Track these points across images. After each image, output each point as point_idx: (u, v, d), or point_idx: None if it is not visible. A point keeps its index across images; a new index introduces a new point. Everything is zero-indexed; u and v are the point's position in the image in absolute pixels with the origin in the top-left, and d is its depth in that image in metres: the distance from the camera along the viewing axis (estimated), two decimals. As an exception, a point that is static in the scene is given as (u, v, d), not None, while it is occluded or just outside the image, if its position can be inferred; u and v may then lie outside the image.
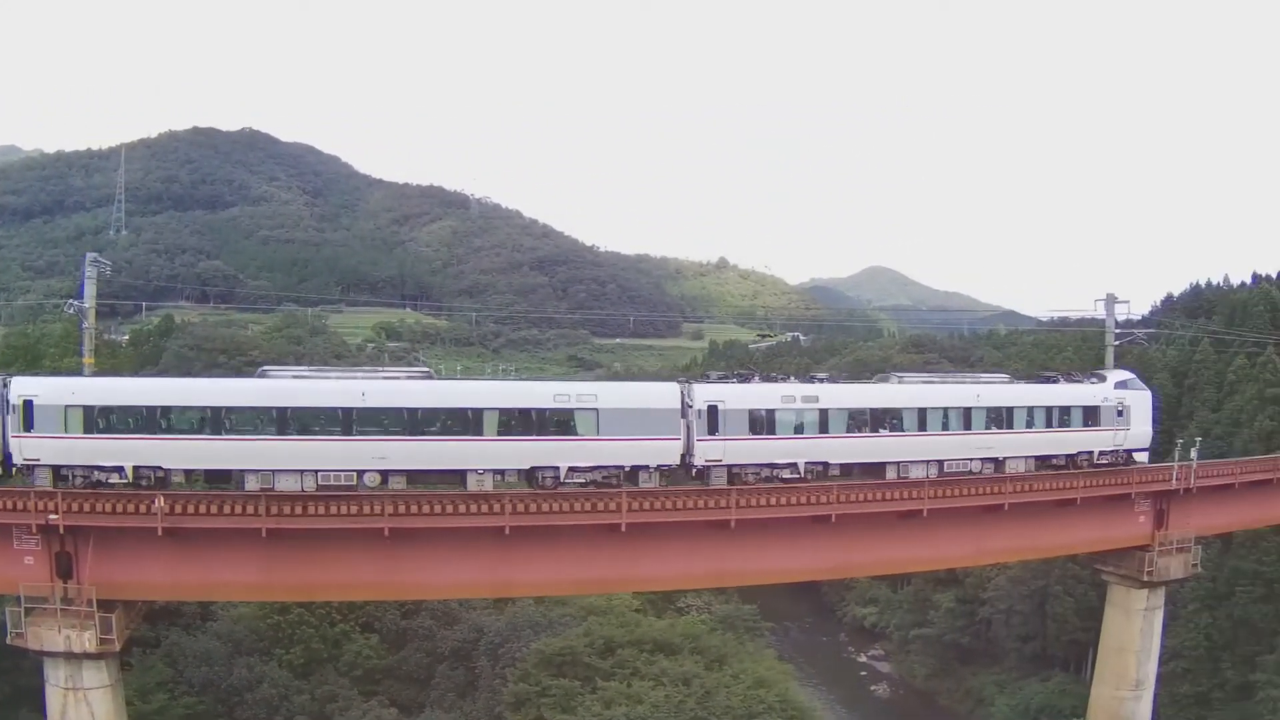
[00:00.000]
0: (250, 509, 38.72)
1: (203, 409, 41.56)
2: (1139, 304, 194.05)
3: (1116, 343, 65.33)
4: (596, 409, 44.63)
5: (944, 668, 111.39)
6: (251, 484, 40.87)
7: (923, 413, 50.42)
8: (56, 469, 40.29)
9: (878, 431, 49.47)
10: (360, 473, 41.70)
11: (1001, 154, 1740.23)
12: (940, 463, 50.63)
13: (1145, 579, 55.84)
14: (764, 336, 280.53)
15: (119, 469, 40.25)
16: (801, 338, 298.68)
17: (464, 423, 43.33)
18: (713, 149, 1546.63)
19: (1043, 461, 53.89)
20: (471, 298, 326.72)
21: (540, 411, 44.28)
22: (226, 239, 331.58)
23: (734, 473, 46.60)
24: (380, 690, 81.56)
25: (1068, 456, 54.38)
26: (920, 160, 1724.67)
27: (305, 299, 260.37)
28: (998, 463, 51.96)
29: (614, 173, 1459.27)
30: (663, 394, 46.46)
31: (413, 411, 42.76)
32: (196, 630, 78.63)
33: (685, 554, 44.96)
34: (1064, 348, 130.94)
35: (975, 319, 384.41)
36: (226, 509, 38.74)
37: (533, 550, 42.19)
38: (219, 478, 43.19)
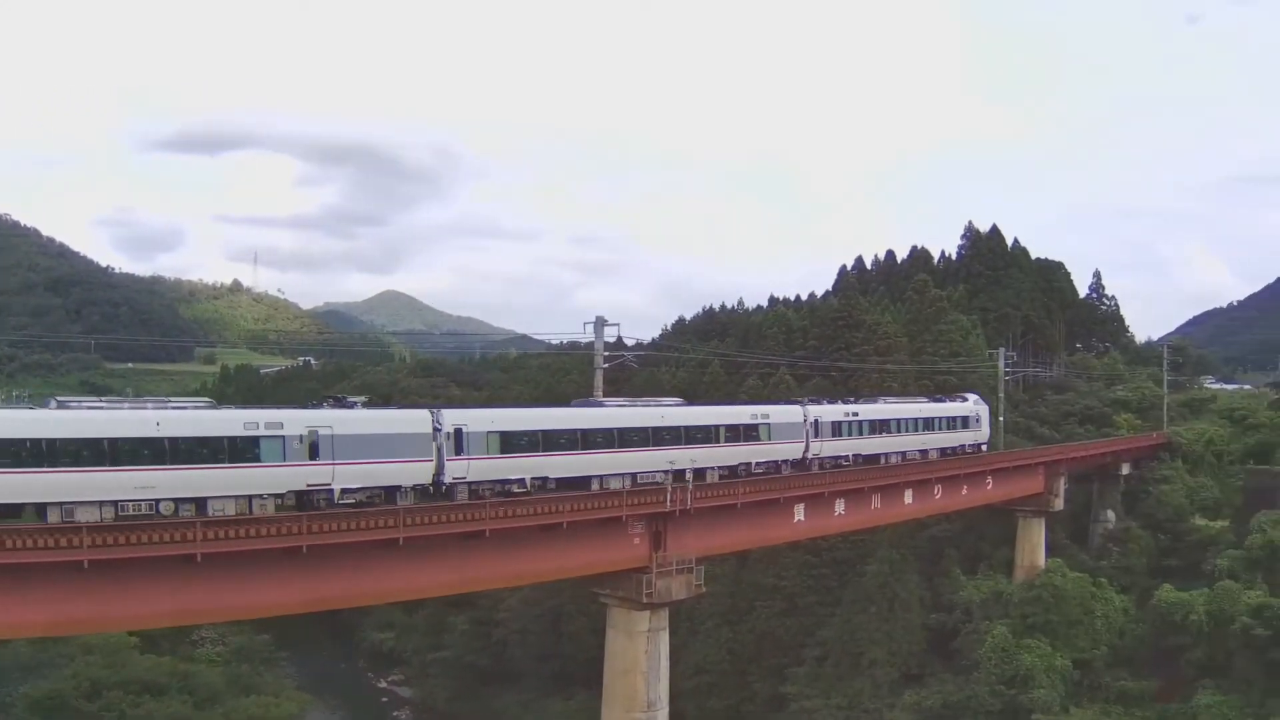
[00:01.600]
0: None
1: (573, 431, 50.73)
2: (653, 328, 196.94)
3: (606, 365, 64.32)
4: (769, 424, 60.87)
5: (465, 690, 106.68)
6: (595, 487, 50.39)
7: (899, 422, 72.19)
8: (472, 485, 45.72)
9: (882, 435, 70.06)
10: (655, 472, 53.11)
11: (518, 179, 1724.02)
12: (904, 453, 72.09)
13: (645, 601, 52.91)
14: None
15: (521, 480, 47.35)
16: (313, 362, 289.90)
17: (709, 435, 57.45)
18: (240, 167, 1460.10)
19: (944, 452, 76.49)
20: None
21: (746, 426, 59.72)
22: None
23: (824, 462, 64.27)
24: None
25: (954, 449, 77.80)
26: (431, 185, 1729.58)
27: None
28: (925, 453, 74.49)
29: (128, 185, 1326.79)
30: (795, 412, 63.50)
31: (688, 428, 56.13)
32: None
33: (147, 591, 38.97)
34: (570, 371, 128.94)
35: (489, 343, 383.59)
36: None
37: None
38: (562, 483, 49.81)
